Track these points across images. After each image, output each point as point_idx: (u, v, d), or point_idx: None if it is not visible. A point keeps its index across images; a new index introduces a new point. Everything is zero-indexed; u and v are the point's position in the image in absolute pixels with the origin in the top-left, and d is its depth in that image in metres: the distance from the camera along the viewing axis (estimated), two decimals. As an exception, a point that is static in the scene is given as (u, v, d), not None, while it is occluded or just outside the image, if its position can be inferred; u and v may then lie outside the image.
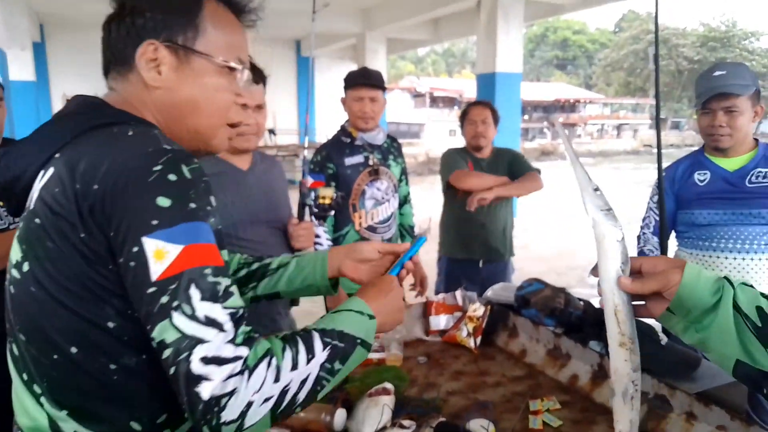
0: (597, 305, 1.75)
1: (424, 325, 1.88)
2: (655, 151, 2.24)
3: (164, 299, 0.69)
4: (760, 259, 1.98)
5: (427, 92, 33.62)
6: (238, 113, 0.91)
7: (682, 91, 43.49)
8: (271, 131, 14.08)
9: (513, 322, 1.79)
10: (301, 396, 0.77)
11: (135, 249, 0.70)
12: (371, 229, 2.52)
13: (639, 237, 2.30)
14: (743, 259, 1.99)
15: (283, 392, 0.74)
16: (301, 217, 2.06)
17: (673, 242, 2.27)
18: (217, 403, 0.68)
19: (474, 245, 3.00)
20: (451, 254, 3.10)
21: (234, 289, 0.75)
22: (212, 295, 0.71)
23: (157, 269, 0.69)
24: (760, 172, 1.98)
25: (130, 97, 0.86)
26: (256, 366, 0.71)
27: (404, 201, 2.76)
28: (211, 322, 0.69)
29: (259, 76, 1.75)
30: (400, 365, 1.61)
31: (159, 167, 0.73)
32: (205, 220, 0.74)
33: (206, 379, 0.68)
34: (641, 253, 2.24)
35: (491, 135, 2.99)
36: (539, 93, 38.96)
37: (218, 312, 0.70)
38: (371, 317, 0.91)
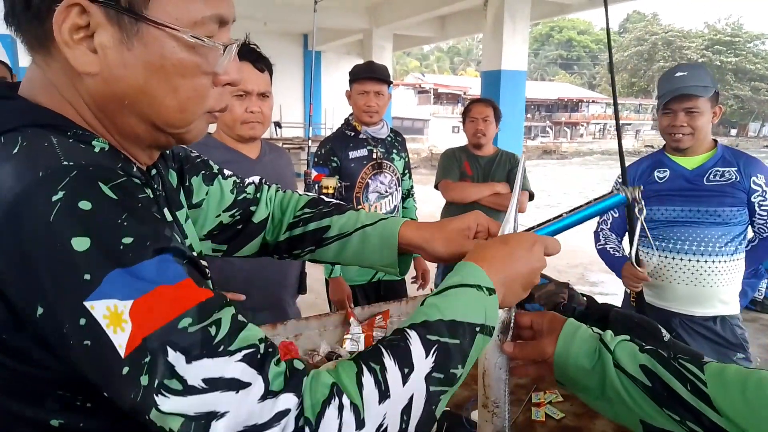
0: (599, 301, 1.77)
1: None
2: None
3: (145, 380, 0.48)
4: (714, 262, 2.01)
5: (431, 89, 33.61)
6: (221, 97, 0.67)
7: (686, 94, 43.19)
8: (278, 124, 14.09)
9: (516, 316, 1.80)
10: (411, 429, 0.56)
11: (83, 322, 0.48)
12: None
13: (597, 233, 2.30)
14: (698, 261, 2.02)
15: None
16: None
17: (626, 240, 2.27)
18: None
19: None
20: None
21: (244, 317, 0.55)
22: (205, 346, 0.49)
23: (121, 340, 0.48)
24: (717, 171, 2.03)
25: (56, 83, 0.60)
26: (319, 418, 0.50)
27: (407, 195, 2.79)
28: (218, 384, 0.49)
29: (264, 64, 1.76)
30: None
31: (59, 195, 0.49)
32: (160, 249, 0.51)
33: None
34: (603, 251, 2.25)
35: (492, 133, 3.03)
36: (543, 92, 38.95)
37: (224, 365, 0.50)
38: (491, 292, 0.67)
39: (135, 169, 0.64)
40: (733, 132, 43.30)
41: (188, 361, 0.48)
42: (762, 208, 2.01)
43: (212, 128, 1.89)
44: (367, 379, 0.54)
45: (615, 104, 2.04)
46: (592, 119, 41.03)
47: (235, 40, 0.65)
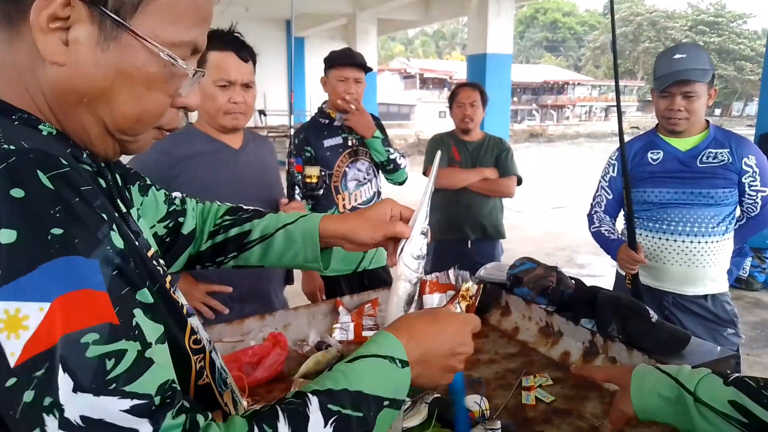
0: (588, 283, 1.77)
1: (418, 304, 1.89)
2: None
3: (29, 396, 0.43)
4: (706, 242, 2.04)
5: (417, 73, 33.48)
6: (174, 118, 0.67)
7: (671, 74, 43.40)
8: (262, 112, 13.96)
9: (505, 301, 1.80)
10: None
11: None
12: (354, 210, 2.51)
13: (591, 216, 2.31)
14: (691, 242, 2.05)
15: None
16: (290, 197, 2.06)
17: (619, 222, 2.28)
18: None
19: (462, 226, 3.03)
20: (439, 236, 3.12)
21: (153, 353, 0.50)
22: (95, 380, 0.45)
23: (13, 348, 0.43)
24: (710, 152, 2.04)
25: (15, 64, 0.57)
26: None
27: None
28: (97, 428, 0.45)
29: (248, 54, 1.73)
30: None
31: None
32: (87, 251, 0.47)
33: None
34: (597, 233, 2.25)
35: (479, 117, 3.02)
36: (528, 75, 38.93)
37: (109, 407, 0.45)
38: (404, 364, 0.66)
39: (85, 156, 0.61)
40: (717, 112, 43.62)
41: (74, 390, 0.44)
42: (752, 188, 2.03)
43: (193, 118, 1.85)
44: None
45: (617, 89, 2.01)
46: (578, 101, 41.13)
47: (201, 71, 0.65)
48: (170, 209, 0.96)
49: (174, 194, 1.00)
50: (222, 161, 1.75)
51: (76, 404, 0.44)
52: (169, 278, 0.67)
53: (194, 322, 0.70)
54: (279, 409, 0.56)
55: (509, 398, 1.33)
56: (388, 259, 0.92)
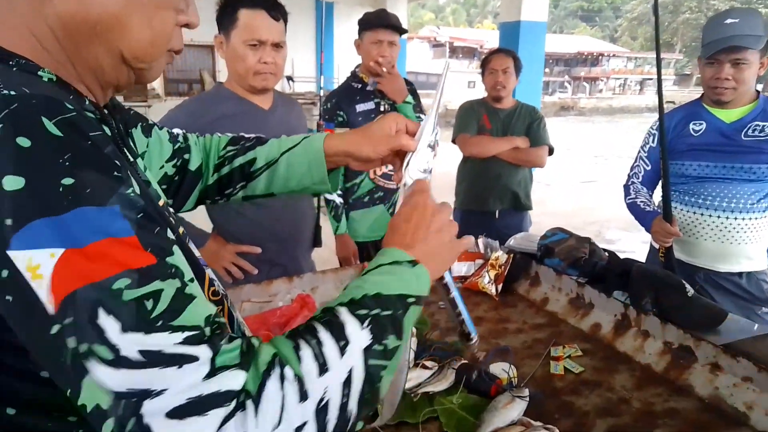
0: (621, 256, 1.73)
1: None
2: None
3: (72, 342, 0.43)
4: (744, 219, 1.96)
5: (447, 42, 32.86)
6: (179, 38, 0.67)
7: (711, 47, 41.75)
8: (290, 78, 13.89)
9: (535, 271, 1.78)
10: (353, 405, 0.54)
11: (4, 273, 0.43)
12: (386, 176, 2.48)
13: (627, 187, 2.23)
14: (727, 218, 1.97)
15: (321, 411, 0.51)
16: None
17: (656, 194, 2.19)
18: None
19: (490, 196, 2.97)
20: (465, 207, 3.07)
21: (193, 289, 0.50)
22: (141, 319, 0.45)
23: (48, 296, 0.43)
24: (757, 125, 1.93)
25: (15, 5, 0.56)
26: (261, 389, 0.48)
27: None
28: (158, 358, 0.45)
29: (279, 12, 1.69)
30: (422, 309, 1.61)
31: None
32: (103, 198, 0.46)
33: None
34: (633, 204, 2.18)
35: (512, 85, 2.92)
36: (562, 45, 37.87)
37: (163, 341, 0.45)
38: (413, 263, 0.67)
39: (87, 103, 0.60)
40: (759, 87, 41.91)
41: (123, 330, 0.44)
42: None
43: (224, 78, 1.83)
44: (305, 352, 0.53)
45: (658, 55, 1.94)
46: (612, 74, 39.97)
47: None
48: (175, 147, 0.95)
49: (176, 131, 0.99)
50: (251, 122, 1.73)
51: (130, 343, 0.44)
52: (181, 229, 0.66)
53: (211, 273, 0.70)
54: (314, 323, 0.57)
55: (537, 367, 1.31)
56: (395, 175, 0.88)
